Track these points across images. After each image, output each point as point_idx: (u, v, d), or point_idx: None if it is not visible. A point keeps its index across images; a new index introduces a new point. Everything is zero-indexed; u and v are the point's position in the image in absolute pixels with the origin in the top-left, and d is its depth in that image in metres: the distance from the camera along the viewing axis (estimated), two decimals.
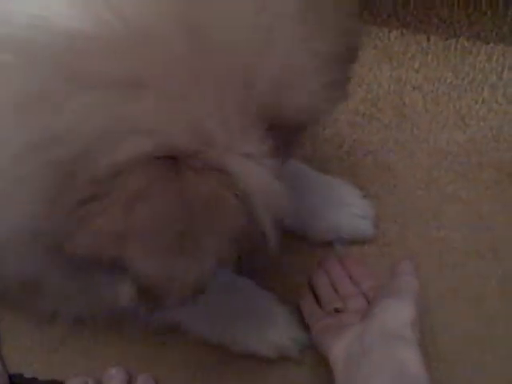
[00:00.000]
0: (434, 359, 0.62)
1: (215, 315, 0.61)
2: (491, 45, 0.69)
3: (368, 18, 0.70)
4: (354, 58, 0.40)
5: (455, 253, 0.66)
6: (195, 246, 0.33)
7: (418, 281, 0.56)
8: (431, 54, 0.69)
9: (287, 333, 0.61)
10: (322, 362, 0.61)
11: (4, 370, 0.63)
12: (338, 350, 0.53)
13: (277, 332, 0.61)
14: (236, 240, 0.34)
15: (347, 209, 0.63)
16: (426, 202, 0.67)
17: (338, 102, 0.38)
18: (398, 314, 0.52)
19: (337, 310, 0.59)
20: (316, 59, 0.34)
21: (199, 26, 0.32)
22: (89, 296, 0.54)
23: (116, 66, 0.31)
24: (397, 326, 0.51)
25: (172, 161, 0.32)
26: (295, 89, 0.34)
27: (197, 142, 0.32)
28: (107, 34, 0.31)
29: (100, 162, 0.31)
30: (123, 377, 0.62)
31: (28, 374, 0.64)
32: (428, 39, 0.69)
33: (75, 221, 0.32)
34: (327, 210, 0.63)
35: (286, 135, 0.36)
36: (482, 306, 0.64)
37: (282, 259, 0.64)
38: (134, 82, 0.31)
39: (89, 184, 0.31)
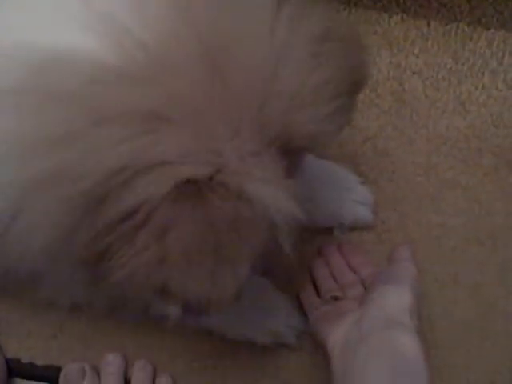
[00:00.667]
0: (432, 346, 0.62)
1: None
2: (492, 30, 0.68)
3: (368, 3, 0.69)
4: (360, 89, 0.41)
5: (454, 239, 0.65)
6: (226, 262, 0.35)
7: (415, 267, 0.56)
8: (431, 40, 0.69)
9: (284, 320, 0.62)
10: (321, 349, 0.61)
11: (1, 354, 0.63)
12: (336, 336, 0.53)
13: (274, 319, 0.61)
14: (261, 252, 0.37)
15: (347, 195, 0.63)
16: (425, 188, 0.66)
17: (342, 128, 0.39)
18: (397, 299, 0.52)
19: (335, 298, 0.59)
20: (326, 86, 0.35)
21: (217, 51, 0.33)
22: (90, 286, 0.54)
23: (136, 99, 0.31)
24: (395, 312, 0.51)
25: (193, 186, 0.33)
26: (307, 113, 0.35)
27: (215, 170, 0.33)
28: (128, 65, 0.32)
29: (123, 196, 0.32)
30: (120, 363, 0.62)
31: (25, 360, 0.64)
32: (428, 24, 0.69)
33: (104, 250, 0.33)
34: (327, 196, 0.63)
35: (293, 156, 0.37)
36: (481, 294, 0.64)
37: None
38: (154, 114, 0.32)
39: (113, 217, 0.32)
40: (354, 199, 0.63)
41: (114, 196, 0.32)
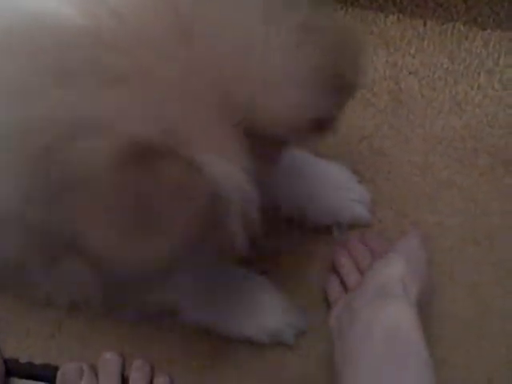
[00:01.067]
0: (431, 345, 0.62)
1: (211, 302, 0.61)
2: (488, 30, 0.69)
3: (364, 2, 0.69)
4: (349, 90, 0.39)
5: (451, 239, 0.65)
6: (158, 223, 0.33)
7: (416, 240, 0.55)
8: (427, 39, 0.69)
9: (282, 318, 0.62)
10: (318, 347, 0.61)
11: None
12: (331, 320, 0.53)
13: (272, 317, 0.61)
14: (203, 229, 0.34)
15: (344, 193, 0.63)
16: (421, 187, 0.66)
17: (323, 131, 0.38)
18: (387, 270, 0.51)
19: None
20: (300, 74, 0.35)
21: (192, 25, 0.33)
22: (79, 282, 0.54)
23: (98, 59, 0.32)
24: (386, 283, 0.50)
25: (142, 150, 0.32)
26: (276, 96, 0.34)
27: (168, 139, 0.32)
28: (100, 32, 0.32)
29: (73, 153, 0.32)
30: (118, 361, 0.62)
31: (24, 359, 0.64)
32: (424, 24, 0.69)
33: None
34: (323, 194, 0.63)
35: (269, 146, 0.36)
36: (479, 293, 0.64)
37: (278, 244, 0.64)
38: (116, 78, 0.32)
39: (63, 175, 0.32)
40: (351, 198, 0.64)
41: (62, 156, 0.32)
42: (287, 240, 0.65)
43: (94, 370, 0.62)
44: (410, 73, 0.68)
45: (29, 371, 0.64)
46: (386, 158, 0.67)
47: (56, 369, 0.63)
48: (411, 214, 0.66)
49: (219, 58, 0.33)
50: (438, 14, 0.69)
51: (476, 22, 0.69)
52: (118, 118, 0.32)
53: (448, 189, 0.66)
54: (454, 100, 0.68)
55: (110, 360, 0.62)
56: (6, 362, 0.64)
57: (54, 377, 0.62)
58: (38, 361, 0.64)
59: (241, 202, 0.35)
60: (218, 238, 0.36)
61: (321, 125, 0.38)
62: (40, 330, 0.65)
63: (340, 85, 0.38)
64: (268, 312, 0.62)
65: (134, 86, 0.32)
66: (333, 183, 0.64)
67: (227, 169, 0.34)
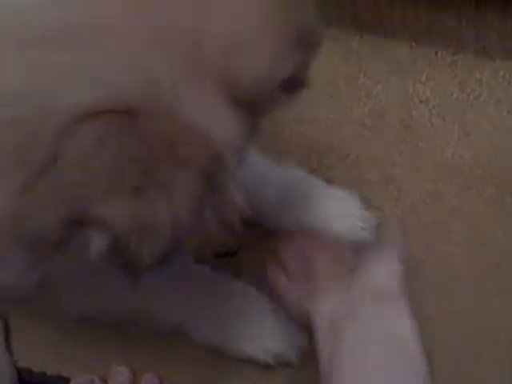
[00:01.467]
0: (429, 358, 0.62)
1: (214, 321, 0.62)
2: (497, 61, 0.69)
3: (377, 30, 0.70)
4: (316, 45, 0.37)
5: (458, 267, 0.66)
6: (160, 184, 0.30)
7: (401, 236, 0.55)
8: (439, 68, 0.69)
9: (286, 341, 0.62)
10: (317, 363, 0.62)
11: (12, 364, 0.65)
12: (322, 315, 0.51)
13: (275, 341, 0.62)
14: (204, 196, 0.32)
15: (349, 220, 0.64)
16: (429, 215, 0.67)
17: (295, 89, 0.36)
18: (381, 268, 0.51)
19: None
20: (275, 29, 0.33)
21: None
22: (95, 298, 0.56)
23: (65, 16, 0.29)
24: (379, 281, 0.49)
25: (125, 113, 0.29)
26: (247, 53, 0.32)
27: (152, 92, 0.29)
28: None
29: (51, 120, 0.28)
30: (128, 374, 0.64)
31: (34, 369, 0.66)
32: (436, 53, 0.70)
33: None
34: (330, 220, 0.64)
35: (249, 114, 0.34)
36: (480, 303, 0.65)
37: None
38: (87, 31, 0.29)
39: (44, 146, 0.29)
40: (357, 224, 0.64)
41: (43, 122, 0.29)
42: None
43: (105, 383, 0.64)
44: (420, 101, 0.69)
45: (42, 381, 0.65)
46: (395, 185, 0.68)
47: (68, 380, 0.64)
48: (418, 242, 0.66)
49: (183, 9, 0.30)
50: (450, 43, 0.70)
51: (485, 51, 0.69)
52: (107, 74, 0.28)
53: (456, 217, 0.67)
54: (463, 129, 0.68)
55: (119, 372, 0.64)
56: (19, 371, 0.65)
57: None
58: (48, 371, 0.66)
59: (238, 167, 0.32)
60: (218, 206, 0.33)
61: (293, 82, 0.35)
62: (49, 340, 0.66)
63: (305, 36, 0.35)
64: (271, 336, 0.62)
65: (113, 45, 0.29)
66: (339, 209, 0.64)
67: (223, 128, 0.31)
